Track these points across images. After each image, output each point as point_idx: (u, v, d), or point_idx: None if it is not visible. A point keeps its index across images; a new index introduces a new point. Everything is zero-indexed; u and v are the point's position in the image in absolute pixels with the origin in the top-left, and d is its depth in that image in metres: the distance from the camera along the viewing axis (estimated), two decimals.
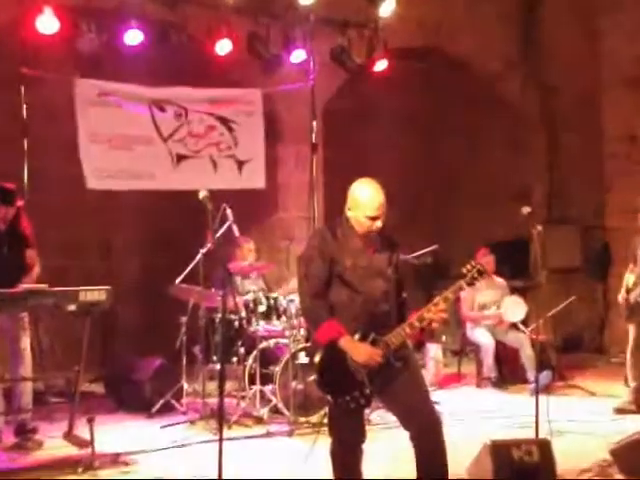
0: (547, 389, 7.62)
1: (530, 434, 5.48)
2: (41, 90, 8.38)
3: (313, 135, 8.87)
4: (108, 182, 7.84)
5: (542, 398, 5.51)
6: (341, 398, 4.13)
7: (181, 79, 8.20)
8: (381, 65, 8.83)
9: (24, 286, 5.87)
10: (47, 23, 7.08)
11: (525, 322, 8.57)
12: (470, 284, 4.18)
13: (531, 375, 7.99)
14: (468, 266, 4.18)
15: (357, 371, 4.11)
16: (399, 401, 4.20)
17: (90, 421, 5.57)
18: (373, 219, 4.18)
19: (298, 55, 8.44)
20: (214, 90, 8.45)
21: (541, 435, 5.41)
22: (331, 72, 9.00)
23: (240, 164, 8.49)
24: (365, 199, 4.19)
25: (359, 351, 4.09)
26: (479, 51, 10.53)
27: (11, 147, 7.90)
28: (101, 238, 9.77)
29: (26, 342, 6.17)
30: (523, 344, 8.27)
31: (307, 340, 7.08)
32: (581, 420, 6.77)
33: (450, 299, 4.18)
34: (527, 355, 8.17)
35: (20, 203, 6.26)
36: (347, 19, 8.90)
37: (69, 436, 5.97)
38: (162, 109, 8.11)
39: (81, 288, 5.95)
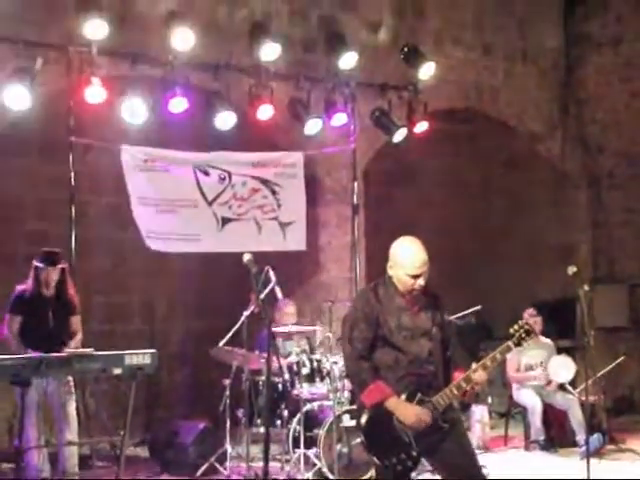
0: (598, 453, 7.46)
1: None
2: (86, 159, 8.60)
3: (354, 196, 8.94)
4: (159, 244, 7.96)
5: (593, 462, 5.37)
6: (388, 460, 4.09)
7: (224, 144, 8.34)
8: (421, 127, 8.90)
9: (70, 350, 5.94)
10: (95, 93, 7.26)
11: (573, 383, 8.41)
12: (517, 345, 4.15)
13: (581, 438, 7.81)
14: (515, 326, 4.16)
15: (404, 433, 4.06)
16: (447, 464, 4.15)
17: None
18: (415, 277, 4.16)
19: (339, 118, 8.55)
20: (257, 154, 8.57)
21: None
22: (372, 135, 9.09)
23: (283, 226, 8.56)
24: (406, 257, 4.18)
25: (407, 412, 4.05)
26: (520, 112, 10.58)
27: (58, 214, 8.08)
28: (145, 302, 9.86)
29: (72, 406, 6.21)
30: (572, 406, 8.10)
31: (351, 402, 7.02)
32: None
33: (498, 360, 4.14)
34: (576, 417, 7.99)
35: (63, 265, 6.33)
36: (387, 82, 9.03)
37: None
38: (206, 173, 8.24)
39: (126, 352, 5.98)
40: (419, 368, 4.14)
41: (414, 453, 4.08)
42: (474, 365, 4.17)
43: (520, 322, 4.18)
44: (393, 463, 4.08)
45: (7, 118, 7.44)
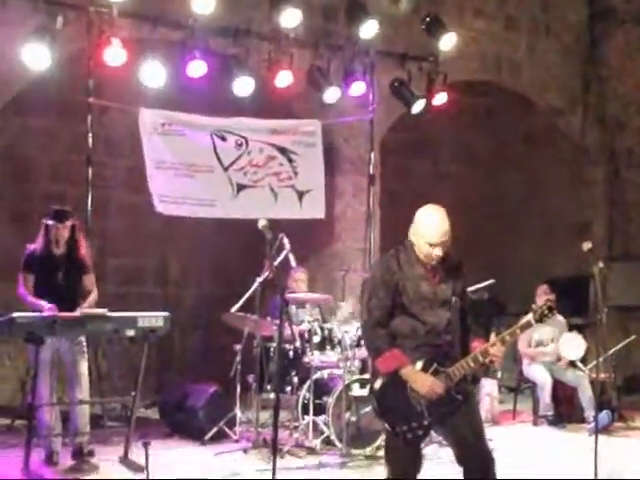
0: (606, 430, 7.47)
1: (588, 475, 5.36)
2: (104, 120, 8.60)
3: (371, 167, 8.91)
4: (172, 208, 7.97)
5: (601, 439, 5.38)
6: (399, 427, 4.10)
7: (242, 110, 8.32)
8: (440, 98, 8.84)
9: (83, 311, 5.98)
10: (114, 55, 7.24)
11: (584, 360, 8.41)
12: (539, 320, 4.14)
13: (590, 415, 7.82)
14: (538, 303, 4.17)
15: (417, 402, 4.08)
16: (455, 436, 4.15)
17: (145, 446, 5.60)
18: (434, 246, 4.13)
19: (358, 88, 8.50)
20: (274, 121, 8.55)
21: (600, 477, 5.28)
22: (390, 105, 9.03)
23: (300, 194, 8.55)
24: (428, 225, 4.15)
25: (421, 382, 4.06)
26: (540, 86, 10.49)
27: (75, 176, 8.10)
28: (159, 265, 9.90)
29: (84, 366, 6.25)
30: (582, 383, 8.11)
31: (361, 372, 7.05)
32: None
33: (517, 335, 4.14)
34: (586, 394, 8.01)
35: (74, 222, 6.29)
36: (407, 53, 8.96)
37: (125, 460, 6.02)
38: (223, 138, 8.22)
39: (139, 314, 6.04)
40: (436, 338, 4.13)
41: (425, 422, 4.09)
42: (492, 338, 4.16)
43: (538, 301, 4.19)
44: (403, 430, 4.09)
45: (26, 77, 7.44)
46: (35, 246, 6.24)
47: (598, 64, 10.82)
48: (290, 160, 8.51)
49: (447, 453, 4.40)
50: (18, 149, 8.85)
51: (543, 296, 7.81)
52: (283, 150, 8.49)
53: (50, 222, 6.14)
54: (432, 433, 6.56)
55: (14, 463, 5.96)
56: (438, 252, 4.15)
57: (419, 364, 4.10)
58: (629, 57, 10.65)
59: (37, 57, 6.99)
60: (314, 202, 8.58)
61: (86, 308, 6.05)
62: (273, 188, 8.44)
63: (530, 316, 4.14)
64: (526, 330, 4.21)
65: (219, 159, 8.20)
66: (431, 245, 4.13)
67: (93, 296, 6.27)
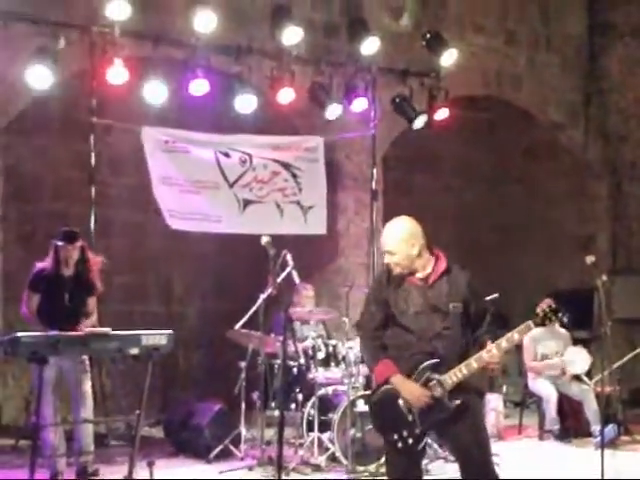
0: (613, 443, 7.44)
1: None
2: (107, 139, 8.63)
3: (373, 182, 8.93)
4: (180, 223, 7.99)
5: (608, 452, 5.36)
6: (390, 436, 4.15)
7: (244, 128, 8.35)
8: (442, 114, 8.86)
9: (87, 329, 5.97)
10: (117, 74, 7.29)
11: (589, 374, 8.38)
12: (539, 324, 4.13)
13: (596, 429, 7.79)
14: (542, 306, 4.16)
15: (408, 410, 4.10)
16: (458, 447, 4.16)
17: (150, 465, 5.59)
18: (387, 254, 4.25)
19: (359, 104, 8.53)
20: (277, 137, 8.58)
21: None
22: (392, 120, 9.06)
23: (304, 210, 8.57)
24: (382, 235, 4.35)
25: (409, 390, 4.11)
26: (541, 100, 10.51)
27: (78, 195, 8.13)
28: (163, 283, 9.91)
29: (88, 385, 6.25)
30: (587, 397, 8.08)
31: (366, 388, 7.04)
32: None
33: (515, 341, 4.11)
34: (591, 408, 7.97)
35: (83, 244, 6.34)
36: (408, 69, 9.00)
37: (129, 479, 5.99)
38: (227, 155, 8.25)
39: (143, 332, 6.01)
40: (427, 345, 4.14)
41: (417, 431, 4.10)
42: (489, 345, 4.14)
43: (542, 305, 4.17)
44: (395, 440, 4.12)
45: (29, 97, 7.48)
46: (44, 265, 6.26)
47: (598, 78, 10.85)
48: (294, 176, 8.53)
49: (453, 469, 4.37)
50: (22, 168, 8.87)
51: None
52: (287, 166, 8.52)
53: (60, 243, 6.18)
54: (437, 449, 6.58)
55: None
56: (394, 259, 4.22)
57: (414, 374, 4.12)
58: (629, 70, 10.68)
59: (40, 77, 7.04)
60: (317, 218, 8.60)
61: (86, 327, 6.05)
62: (279, 204, 8.47)
63: (530, 321, 4.12)
64: (525, 334, 4.16)
65: (224, 175, 8.23)
66: (385, 253, 4.25)
67: (93, 318, 6.30)
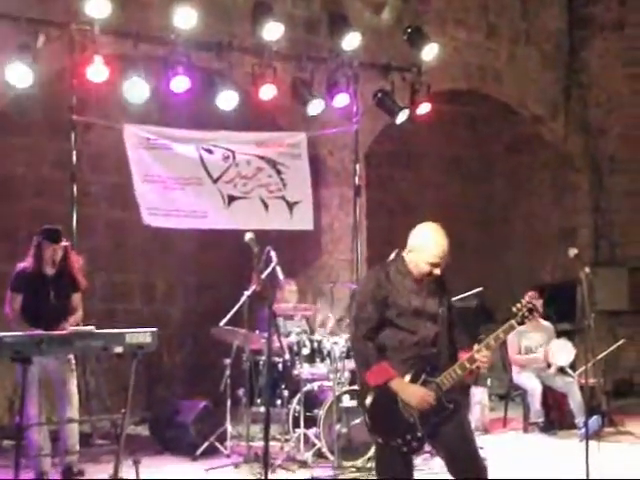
0: (597, 435, 7.47)
1: None
2: (88, 137, 8.59)
3: (356, 178, 8.92)
4: (162, 220, 7.95)
5: (592, 444, 5.39)
6: (394, 442, 4.09)
7: (226, 125, 8.32)
8: (424, 108, 8.87)
9: (71, 328, 5.94)
10: (97, 71, 7.24)
11: (573, 366, 8.42)
12: (521, 323, 4.15)
13: (580, 420, 7.84)
14: (518, 305, 4.16)
15: (408, 414, 4.07)
16: (447, 446, 4.15)
17: (136, 463, 5.57)
18: (433, 266, 4.15)
19: (341, 99, 8.52)
20: (259, 133, 8.56)
21: None
22: (374, 116, 9.06)
23: (290, 205, 8.55)
24: (429, 245, 4.16)
25: (411, 393, 4.06)
26: (521, 94, 10.54)
27: (60, 193, 8.08)
28: (145, 281, 9.87)
29: (73, 384, 6.22)
30: (571, 389, 8.13)
31: (351, 383, 7.04)
32: (633, 467, 6.60)
33: (501, 339, 4.14)
34: (576, 400, 8.02)
35: (66, 243, 6.32)
36: (390, 63, 8.99)
37: (115, 478, 5.97)
38: (210, 151, 8.22)
39: (127, 330, 5.98)
40: (424, 350, 4.14)
41: (419, 434, 4.08)
42: (476, 345, 4.17)
43: (523, 301, 4.17)
44: (398, 444, 4.08)
45: (9, 96, 7.42)
46: (25, 265, 6.21)
47: (578, 71, 10.89)
48: (278, 172, 8.51)
49: (438, 463, 4.38)
50: (2, 168, 8.81)
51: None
52: (270, 162, 8.49)
53: (46, 242, 6.13)
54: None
55: None
56: (437, 271, 4.17)
57: (408, 376, 4.10)
58: (609, 64, 10.74)
59: (20, 75, 6.99)
60: (303, 214, 8.58)
61: (72, 325, 6.02)
62: (264, 199, 8.44)
63: (512, 320, 4.15)
64: (509, 333, 4.19)
65: (207, 171, 8.19)
66: (430, 264, 4.15)
67: (79, 313, 6.27)
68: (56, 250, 6.18)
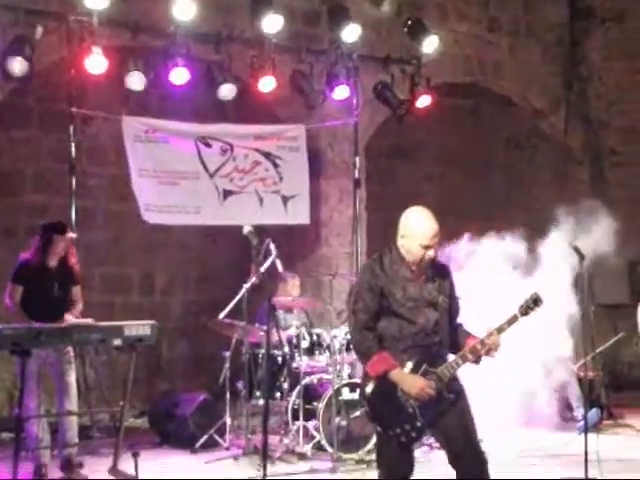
0: (596, 427, 7.47)
1: (579, 474, 5.36)
2: (87, 129, 8.57)
3: (356, 171, 8.91)
4: (158, 216, 7.94)
5: (591, 436, 5.39)
6: (392, 431, 4.09)
7: (225, 117, 8.30)
8: (424, 101, 8.84)
9: (70, 321, 5.94)
10: (95, 63, 7.22)
11: (572, 359, 8.41)
12: (524, 314, 4.14)
13: (579, 413, 7.84)
14: (525, 296, 4.15)
15: (408, 404, 4.06)
16: (447, 437, 4.15)
17: (135, 456, 5.57)
18: (426, 248, 4.13)
19: (341, 92, 8.49)
20: (259, 126, 8.54)
21: (590, 475, 5.28)
22: (374, 108, 9.04)
23: (285, 199, 8.53)
24: (420, 227, 4.14)
25: (410, 384, 4.05)
26: (523, 87, 10.52)
27: (59, 185, 8.06)
28: (145, 274, 9.86)
29: (72, 377, 6.22)
30: (570, 381, 8.12)
31: (351, 376, 7.04)
32: (631, 460, 6.59)
33: (504, 330, 4.12)
34: (575, 392, 8.02)
35: (73, 235, 6.33)
36: (390, 56, 8.97)
37: (114, 471, 5.97)
38: (208, 145, 8.20)
39: (126, 323, 5.99)
40: (424, 339, 4.12)
41: (418, 424, 4.08)
42: (476, 338, 4.16)
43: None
44: (397, 433, 4.08)
45: (7, 87, 7.40)
46: (28, 257, 6.19)
47: (579, 64, 10.86)
48: (275, 165, 8.50)
49: (438, 455, 4.38)
50: (1, 160, 8.79)
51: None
52: (268, 155, 8.48)
53: (57, 236, 6.12)
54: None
55: (2, 477, 5.90)
56: (431, 253, 4.14)
57: (409, 365, 4.09)
58: (610, 56, 10.71)
59: (17, 67, 6.96)
60: (299, 207, 8.56)
61: (73, 317, 6.02)
62: (259, 194, 8.43)
63: (516, 311, 4.14)
64: (512, 324, 4.15)
65: (204, 165, 8.18)
66: (423, 247, 4.13)
67: (79, 306, 6.27)
68: (66, 241, 6.21)
